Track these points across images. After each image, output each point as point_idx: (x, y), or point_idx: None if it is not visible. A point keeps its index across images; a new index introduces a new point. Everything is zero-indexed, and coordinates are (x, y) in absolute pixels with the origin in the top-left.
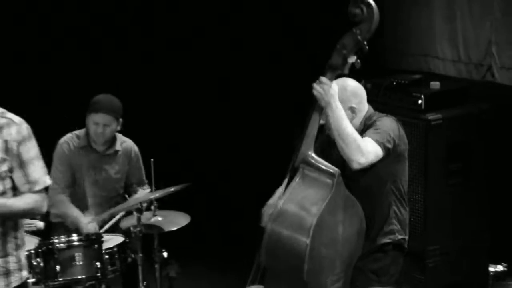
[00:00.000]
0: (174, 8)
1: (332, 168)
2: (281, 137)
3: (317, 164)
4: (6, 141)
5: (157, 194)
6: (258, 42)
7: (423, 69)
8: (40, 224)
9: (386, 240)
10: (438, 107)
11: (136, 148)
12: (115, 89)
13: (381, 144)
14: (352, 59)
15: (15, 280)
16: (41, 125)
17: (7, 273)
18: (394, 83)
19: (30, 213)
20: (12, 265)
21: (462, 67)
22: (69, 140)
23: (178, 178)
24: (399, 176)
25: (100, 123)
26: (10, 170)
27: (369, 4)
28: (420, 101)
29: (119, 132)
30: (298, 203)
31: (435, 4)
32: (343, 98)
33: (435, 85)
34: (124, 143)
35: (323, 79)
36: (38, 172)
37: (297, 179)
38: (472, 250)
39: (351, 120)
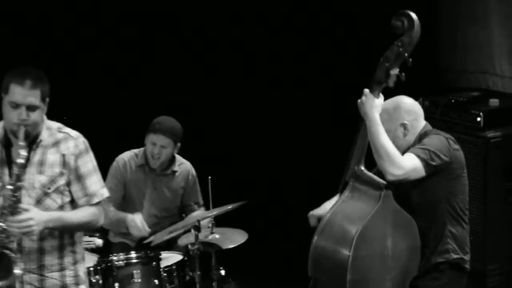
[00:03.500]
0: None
1: (380, 181)
2: (337, 154)
3: (365, 177)
4: (63, 155)
5: (214, 212)
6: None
7: (481, 87)
8: (99, 242)
9: (440, 259)
10: (497, 125)
11: (193, 171)
12: (172, 105)
13: (424, 160)
14: (395, 71)
15: None
16: (100, 141)
17: (63, 287)
18: (453, 101)
19: (87, 226)
20: (69, 279)
21: None
22: (127, 157)
23: (235, 196)
24: (454, 195)
25: (157, 144)
26: (68, 184)
27: (409, 17)
28: (479, 119)
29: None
30: (345, 216)
31: (493, 20)
32: (396, 114)
33: (494, 102)
34: (182, 164)
35: (365, 91)
36: (96, 185)
37: (346, 192)
38: None
39: (403, 136)
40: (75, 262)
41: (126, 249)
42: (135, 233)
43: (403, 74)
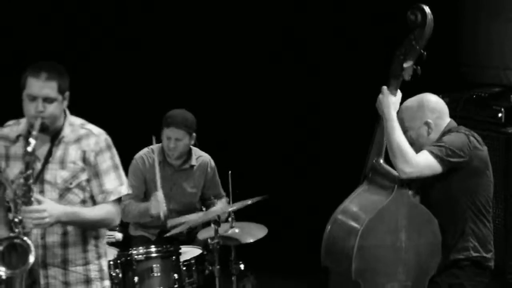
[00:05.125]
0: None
1: (396, 175)
2: (359, 150)
3: (383, 170)
4: (84, 152)
5: (234, 207)
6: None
7: (503, 82)
8: (119, 236)
9: (459, 256)
10: None
11: (212, 163)
12: (191, 100)
13: (438, 157)
14: (408, 64)
15: None
16: (118, 139)
17: (88, 281)
18: (474, 96)
19: (102, 224)
20: (94, 274)
21: None
22: (145, 155)
23: (255, 190)
24: (477, 192)
25: (172, 138)
26: (88, 180)
27: (423, 11)
28: (500, 114)
29: (195, 146)
30: (359, 206)
31: None
32: (420, 112)
33: None
34: (200, 157)
35: (383, 88)
36: (113, 182)
37: (363, 184)
38: None
39: (427, 135)
40: (99, 257)
41: (146, 242)
42: (155, 211)
43: (419, 67)
